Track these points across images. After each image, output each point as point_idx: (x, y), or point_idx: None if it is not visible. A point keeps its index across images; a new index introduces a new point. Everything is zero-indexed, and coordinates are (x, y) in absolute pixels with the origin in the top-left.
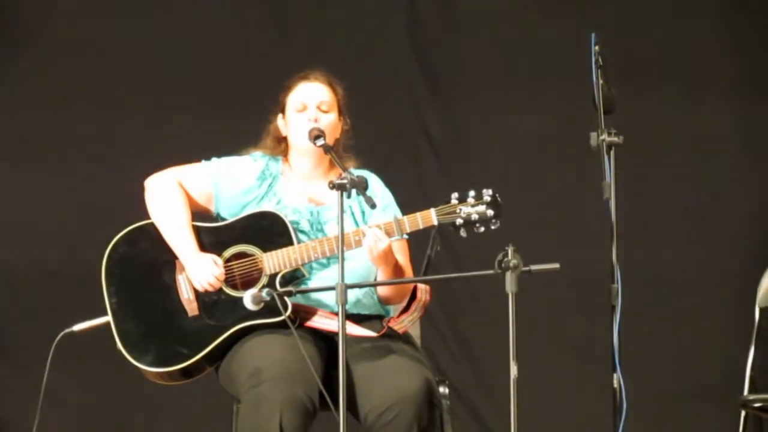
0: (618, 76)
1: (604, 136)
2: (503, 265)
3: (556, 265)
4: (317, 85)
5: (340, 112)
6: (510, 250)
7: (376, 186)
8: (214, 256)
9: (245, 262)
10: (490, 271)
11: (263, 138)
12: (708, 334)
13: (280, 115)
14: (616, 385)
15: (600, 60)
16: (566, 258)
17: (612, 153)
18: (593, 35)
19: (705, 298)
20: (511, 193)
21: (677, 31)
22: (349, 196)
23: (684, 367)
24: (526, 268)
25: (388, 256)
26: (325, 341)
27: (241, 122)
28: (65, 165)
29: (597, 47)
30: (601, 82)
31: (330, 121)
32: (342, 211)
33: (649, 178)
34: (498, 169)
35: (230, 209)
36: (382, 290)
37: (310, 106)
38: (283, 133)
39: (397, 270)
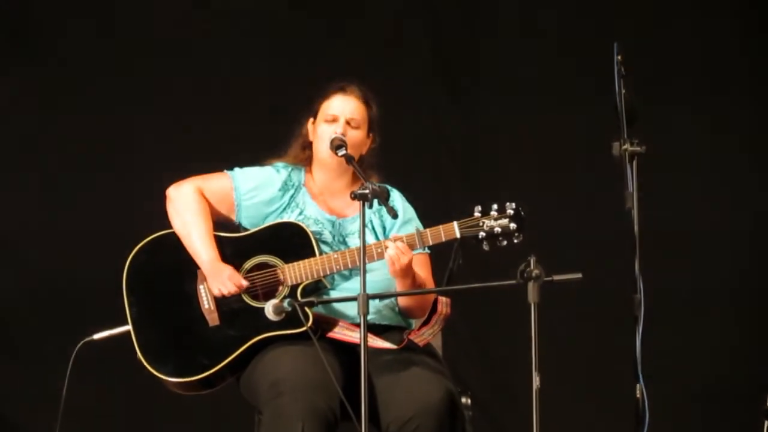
0: (641, 85)
1: (627, 146)
2: (525, 275)
3: (579, 275)
4: (351, 100)
5: (370, 130)
6: (532, 260)
7: (398, 201)
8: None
9: (267, 272)
10: (512, 282)
11: (290, 141)
12: (732, 344)
13: (311, 119)
14: (638, 395)
15: (622, 69)
16: (589, 268)
17: (635, 162)
18: (615, 45)
19: (727, 307)
20: (534, 202)
21: (697, 38)
22: (371, 207)
23: (707, 377)
24: (549, 278)
25: (408, 269)
26: (347, 353)
27: (264, 131)
28: (88, 171)
29: (620, 57)
30: (623, 91)
31: (356, 137)
32: (364, 220)
33: (671, 186)
34: (521, 180)
35: (252, 219)
36: (403, 302)
37: (340, 119)
38: (311, 139)
39: (417, 284)
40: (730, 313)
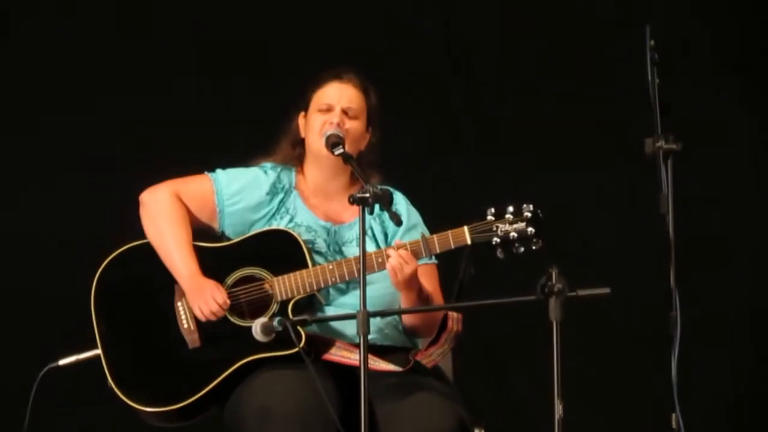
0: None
1: (661, 143)
2: (546, 289)
3: (607, 290)
4: (348, 87)
5: (369, 122)
6: (554, 273)
7: (402, 204)
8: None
9: (253, 287)
10: (532, 297)
11: (279, 139)
12: None
13: (302, 114)
14: (675, 426)
15: (656, 56)
16: (617, 281)
17: (669, 162)
18: (648, 28)
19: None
20: (555, 205)
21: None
22: (371, 213)
23: (752, 406)
24: (573, 293)
25: (413, 280)
26: (345, 376)
27: (252, 128)
28: (47, 178)
29: (652, 42)
30: (657, 80)
31: (354, 129)
32: (364, 227)
33: (708, 189)
34: (539, 179)
35: (236, 227)
36: (408, 320)
37: (335, 108)
38: (302, 134)
39: (423, 297)
40: None
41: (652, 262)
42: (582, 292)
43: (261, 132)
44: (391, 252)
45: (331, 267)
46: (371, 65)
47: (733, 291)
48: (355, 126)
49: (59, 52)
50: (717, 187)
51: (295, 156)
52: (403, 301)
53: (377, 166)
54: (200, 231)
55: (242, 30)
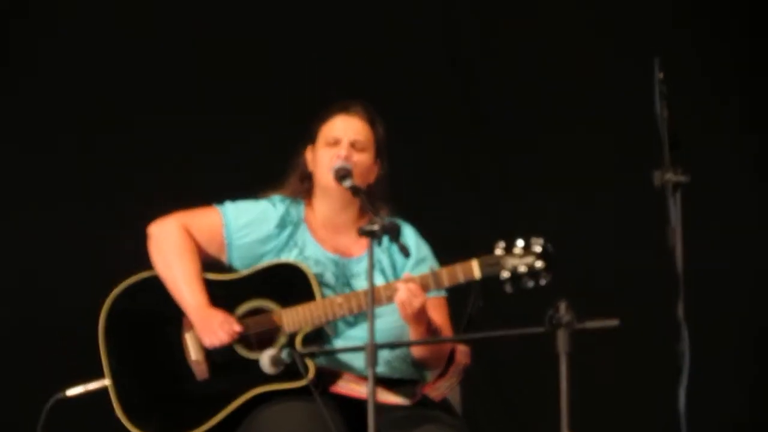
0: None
1: (669, 175)
2: (554, 321)
3: (615, 322)
4: (356, 120)
5: (377, 155)
6: (562, 305)
7: (411, 237)
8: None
9: (262, 319)
10: (540, 329)
11: (288, 173)
12: None
13: (310, 147)
14: None
15: (664, 88)
16: (626, 313)
17: (678, 194)
18: (657, 60)
19: None
20: (564, 238)
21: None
22: (380, 244)
23: None
24: (581, 325)
25: (421, 314)
26: (352, 409)
27: (260, 160)
28: (53, 208)
29: (661, 74)
30: (666, 113)
31: (362, 162)
32: (372, 261)
33: (716, 221)
34: (549, 212)
35: (245, 260)
36: (417, 352)
37: (343, 141)
38: (310, 168)
39: (432, 330)
40: None
41: (660, 295)
42: (590, 325)
43: (271, 161)
44: (399, 285)
45: (339, 300)
46: (372, 94)
47: (742, 322)
48: (363, 159)
49: (62, 76)
50: (724, 220)
51: (304, 190)
52: (411, 334)
53: (387, 199)
54: (209, 264)
55: (241, 31)
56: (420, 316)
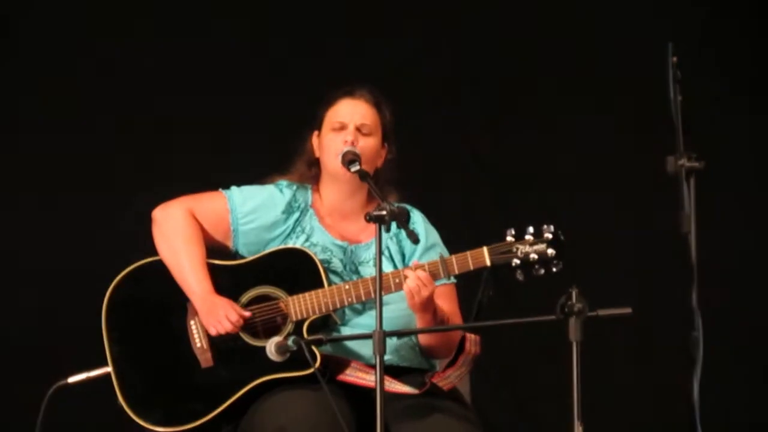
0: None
1: (683, 161)
2: (566, 309)
3: (628, 310)
4: (361, 103)
5: (385, 138)
6: (574, 293)
7: (420, 223)
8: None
9: (268, 306)
10: (551, 317)
11: (294, 159)
12: None
13: (316, 133)
14: None
15: (678, 73)
16: (639, 301)
17: (692, 180)
18: (670, 45)
19: None
20: (575, 225)
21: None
22: (388, 230)
23: None
24: (593, 313)
25: (429, 303)
26: (360, 398)
27: (267, 145)
28: (56, 195)
29: (675, 58)
30: (680, 98)
31: (369, 146)
32: (380, 246)
33: (731, 208)
34: (560, 199)
35: (251, 246)
36: (425, 340)
37: (349, 126)
38: (317, 154)
39: (439, 319)
40: None
41: (673, 282)
42: (603, 312)
43: (279, 147)
44: (408, 273)
45: (347, 287)
46: (382, 83)
47: (757, 311)
48: (370, 143)
49: (57, 68)
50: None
51: (311, 176)
52: (418, 323)
53: (395, 184)
54: (214, 250)
55: (242, 31)
56: (427, 306)
